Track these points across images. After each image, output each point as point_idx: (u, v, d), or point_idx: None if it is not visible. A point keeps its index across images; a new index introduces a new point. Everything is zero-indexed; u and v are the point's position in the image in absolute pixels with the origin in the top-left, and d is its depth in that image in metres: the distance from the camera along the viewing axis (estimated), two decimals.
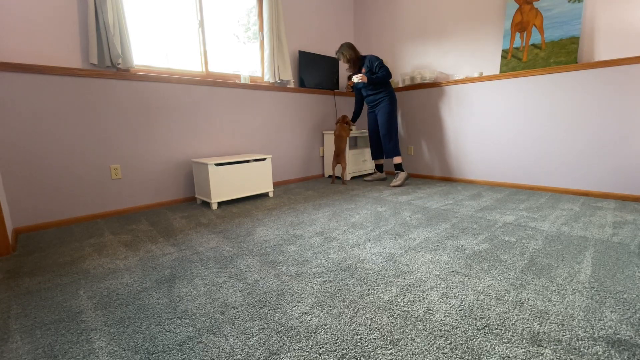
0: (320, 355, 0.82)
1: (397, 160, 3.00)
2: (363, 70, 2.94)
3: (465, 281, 1.18)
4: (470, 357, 0.80)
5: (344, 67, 3.84)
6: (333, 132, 3.03)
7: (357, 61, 2.96)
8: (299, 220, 1.98)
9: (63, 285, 1.24)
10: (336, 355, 0.82)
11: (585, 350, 0.81)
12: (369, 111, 3.15)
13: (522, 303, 1.03)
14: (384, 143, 3.01)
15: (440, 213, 2.06)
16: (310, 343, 0.87)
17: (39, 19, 1.87)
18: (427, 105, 3.29)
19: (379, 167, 3.32)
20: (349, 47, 2.92)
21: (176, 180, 2.51)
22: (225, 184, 2.35)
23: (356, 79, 2.88)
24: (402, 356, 0.81)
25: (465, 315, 0.97)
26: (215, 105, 2.67)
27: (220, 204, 2.46)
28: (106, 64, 2.04)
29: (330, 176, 3.60)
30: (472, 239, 1.59)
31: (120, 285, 1.22)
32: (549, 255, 1.38)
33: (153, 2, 2.40)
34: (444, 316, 0.97)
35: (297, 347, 0.85)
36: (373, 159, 3.27)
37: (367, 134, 3.62)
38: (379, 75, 2.85)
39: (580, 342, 0.84)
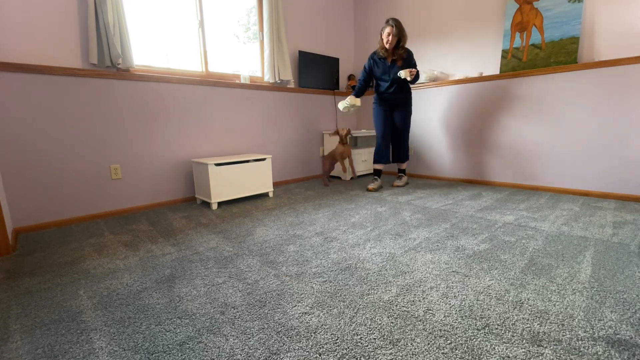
0: (320, 355, 0.82)
1: (405, 165, 3.00)
2: (399, 64, 2.56)
3: (465, 281, 1.18)
4: (470, 357, 0.80)
5: (344, 67, 3.84)
6: (332, 132, 3.01)
7: (400, 50, 2.55)
8: (299, 220, 1.98)
9: (63, 285, 1.24)
10: (336, 355, 0.82)
11: (585, 350, 0.81)
12: (382, 108, 2.73)
13: (522, 303, 1.03)
14: (402, 146, 2.82)
15: (440, 213, 2.06)
16: (310, 343, 0.87)
17: (39, 19, 1.87)
18: (427, 105, 3.29)
19: (377, 173, 2.86)
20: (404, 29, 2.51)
21: (176, 180, 2.51)
22: (225, 184, 2.35)
23: (404, 73, 2.43)
24: (402, 356, 0.81)
25: (465, 315, 0.97)
26: (215, 105, 2.67)
27: (220, 204, 2.46)
28: (106, 64, 2.04)
29: (330, 177, 3.60)
30: (472, 239, 1.59)
31: (120, 285, 1.22)
32: (549, 255, 1.38)
33: (153, 2, 2.39)
34: (444, 316, 0.97)
35: (297, 347, 0.85)
36: (382, 162, 2.80)
37: (369, 134, 3.57)
38: (419, 74, 2.57)
39: (580, 342, 0.84)
